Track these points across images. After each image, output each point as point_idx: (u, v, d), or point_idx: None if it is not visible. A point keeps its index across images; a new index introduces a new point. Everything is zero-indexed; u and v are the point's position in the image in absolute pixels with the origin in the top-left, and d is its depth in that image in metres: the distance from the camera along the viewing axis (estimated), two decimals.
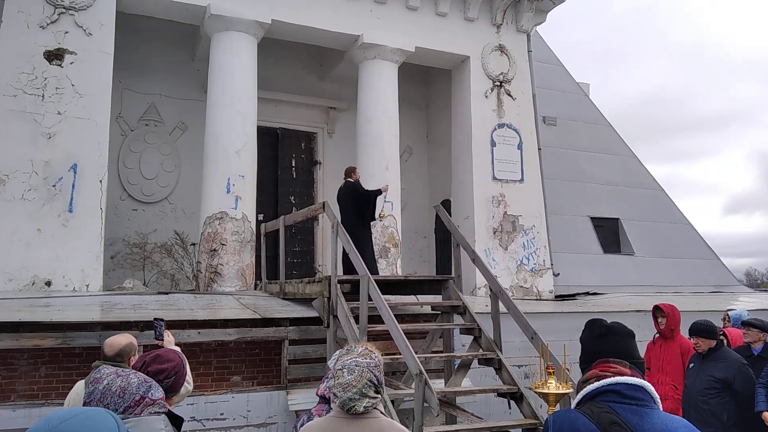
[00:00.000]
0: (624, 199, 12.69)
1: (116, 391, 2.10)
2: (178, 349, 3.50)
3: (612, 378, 2.24)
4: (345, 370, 2.45)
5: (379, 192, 8.07)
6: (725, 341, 5.35)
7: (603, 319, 2.63)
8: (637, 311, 8.03)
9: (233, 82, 8.83)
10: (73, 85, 7.80)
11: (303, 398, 6.06)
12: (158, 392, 2.19)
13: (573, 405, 2.35)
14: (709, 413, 4.67)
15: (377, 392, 2.47)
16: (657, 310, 5.25)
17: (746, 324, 5.83)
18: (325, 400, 3.13)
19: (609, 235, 12.21)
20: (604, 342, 2.47)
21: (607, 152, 13.17)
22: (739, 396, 4.71)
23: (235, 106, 8.76)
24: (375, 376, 2.47)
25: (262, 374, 6.43)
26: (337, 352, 2.63)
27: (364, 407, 2.40)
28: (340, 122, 11.59)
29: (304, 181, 11.46)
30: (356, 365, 2.46)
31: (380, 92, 9.86)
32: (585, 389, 2.26)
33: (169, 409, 2.54)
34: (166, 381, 2.53)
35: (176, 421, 2.55)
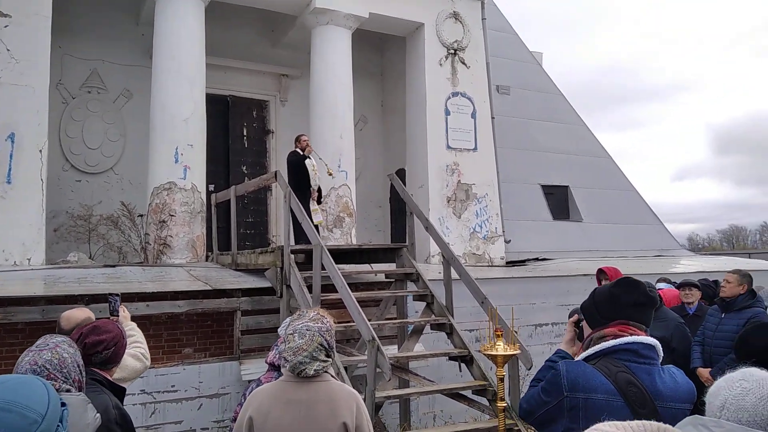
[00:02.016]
0: (574, 167, 12.97)
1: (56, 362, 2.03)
2: (134, 324, 3.43)
3: (630, 337, 2.26)
4: (296, 334, 2.45)
5: (302, 157, 7.98)
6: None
7: (645, 285, 2.47)
8: (584, 275, 8.29)
9: (180, 47, 8.51)
10: (8, 50, 7.38)
11: (256, 368, 6.05)
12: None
13: (583, 357, 2.33)
14: None
15: (328, 356, 2.49)
16: (601, 274, 5.42)
17: (687, 285, 6.12)
18: (274, 367, 3.13)
19: (559, 202, 12.51)
20: (636, 309, 2.36)
21: (559, 121, 13.38)
22: (676, 353, 4.96)
23: (182, 73, 8.46)
24: (326, 340, 2.48)
25: (215, 345, 6.38)
26: (288, 318, 2.63)
27: (315, 370, 2.41)
28: (293, 90, 11.37)
29: (257, 150, 11.25)
30: (307, 329, 2.46)
31: (334, 59, 9.70)
32: (601, 345, 2.28)
33: (109, 380, 2.50)
34: (105, 352, 2.48)
35: (118, 391, 2.51)
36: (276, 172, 6.71)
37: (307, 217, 5.92)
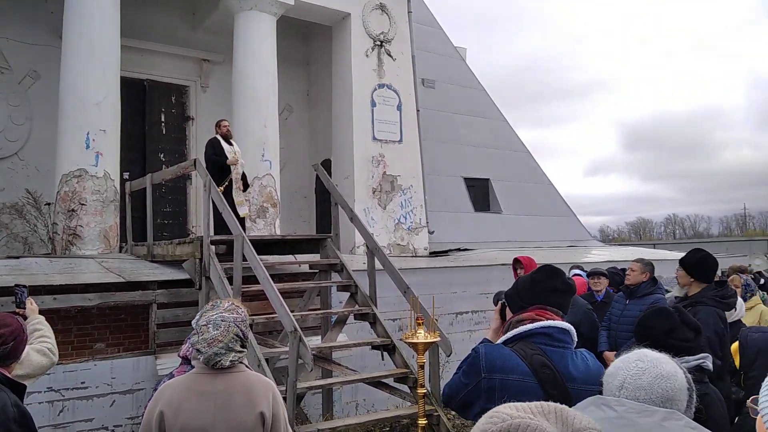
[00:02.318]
0: (495, 161, 13.39)
1: None
2: (41, 318, 3.23)
3: (546, 321, 2.36)
4: (210, 325, 2.40)
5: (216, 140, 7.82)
6: None
7: (564, 273, 2.60)
8: (503, 264, 8.58)
9: (92, 27, 8.02)
10: None
11: (173, 362, 5.84)
12: None
13: (502, 341, 2.41)
14: None
15: (243, 346, 2.45)
16: (516, 263, 5.63)
17: (595, 274, 6.46)
18: (187, 360, 3.04)
19: (480, 194, 12.88)
20: (554, 295, 2.47)
21: (481, 116, 13.75)
22: (584, 338, 5.23)
23: (94, 54, 7.99)
24: (241, 330, 2.44)
25: (129, 340, 6.12)
26: (202, 308, 2.56)
27: (231, 361, 2.37)
28: (215, 76, 11.01)
29: (175, 137, 10.83)
30: (222, 320, 2.41)
31: (258, 46, 9.47)
32: (519, 328, 2.36)
33: (7, 376, 2.34)
34: (3, 347, 2.32)
35: (17, 389, 2.36)
36: (195, 159, 6.50)
37: (227, 206, 5.78)
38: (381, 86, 10.69)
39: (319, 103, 11.88)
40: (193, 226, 10.48)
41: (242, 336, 2.42)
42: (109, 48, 8.16)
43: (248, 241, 5.41)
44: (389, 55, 10.83)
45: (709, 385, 2.71)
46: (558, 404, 1.04)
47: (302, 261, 7.09)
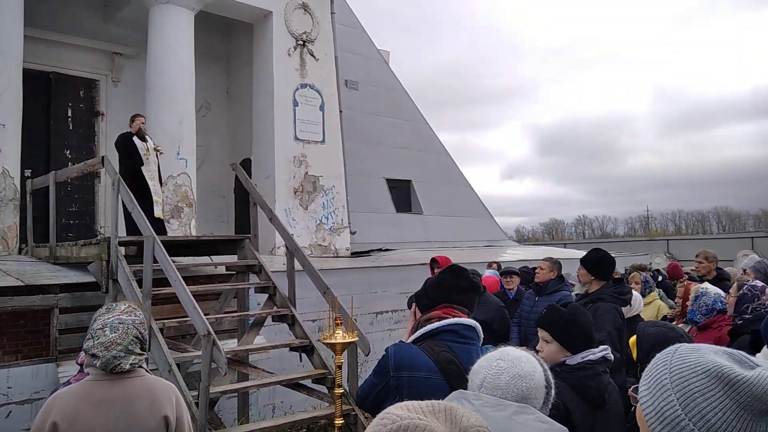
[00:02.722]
0: (416, 162, 13.61)
1: None
2: None
3: (453, 319, 2.43)
4: (107, 328, 2.29)
5: (128, 135, 7.50)
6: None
7: (469, 272, 2.67)
8: (423, 264, 8.72)
9: None
10: None
11: (76, 369, 5.54)
12: None
13: (411, 339, 2.47)
14: None
15: (143, 349, 2.36)
16: (434, 262, 5.74)
17: (508, 272, 6.71)
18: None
19: (401, 195, 13.06)
20: (460, 294, 2.55)
21: (403, 118, 13.94)
22: (497, 335, 5.42)
23: None
24: (140, 333, 2.35)
25: (28, 347, 5.72)
26: (96, 312, 2.43)
27: (131, 364, 2.27)
28: (128, 70, 10.52)
29: (83, 133, 10.25)
30: (120, 322, 2.31)
31: (174, 40, 9.13)
32: (427, 327, 2.43)
33: None
34: None
35: None
36: (103, 157, 6.17)
37: (137, 206, 5.52)
38: (303, 86, 10.61)
39: (240, 101, 11.62)
40: (101, 227, 9.96)
41: (141, 339, 2.33)
42: (10, 38, 7.62)
43: (159, 242, 5.19)
44: (312, 55, 10.76)
45: (610, 377, 2.87)
46: (448, 403, 1.06)
47: (219, 263, 6.90)
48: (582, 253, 13.22)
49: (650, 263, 12.84)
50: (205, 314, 4.93)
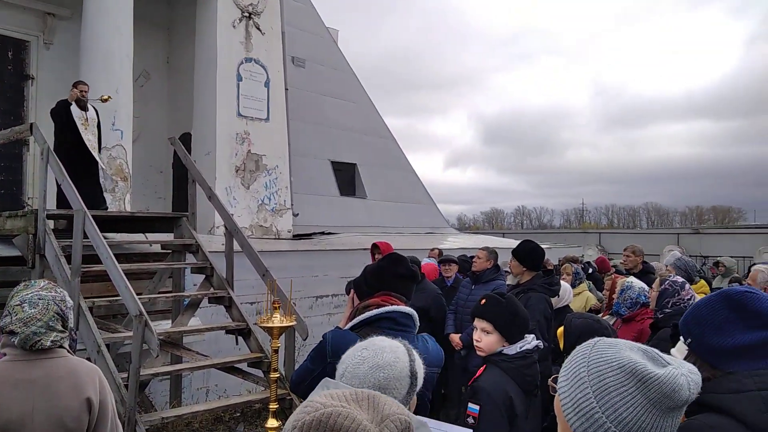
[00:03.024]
0: (362, 146, 13.56)
1: None
2: None
3: (391, 306, 2.45)
4: (26, 304, 2.18)
5: (65, 103, 7.11)
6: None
7: (409, 261, 2.71)
8: (365, 249, 8.75)
9: None
10: None
11: None
12: None
13: (349, 326, 2.48)
14: None
15: (65, 327, 2.26)
16: (375, 248, 5.78)
17: (446, 261, 6.82)
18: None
19: (346, 178, 13.00)
20: (399, 282, 2.58)
21: (350, 100, 13.83)
22: (434, 322, 5.52)
23: None
24: (61, 310, 2.25)
25: None
26: (14, 289, 2.31)
27: (52, 341, 2.17)
28: (61, 32, 9.92)
29: (12, 98, 9.61)
30: (39, 298, 2.21)
31: (110, 3, 8.64)
32: (365, 314, 2.45)
33: None
34: None
35: None
36: (32, 124, 5.83)
37: (68, 177, 5.26)
38: (248, 60, 10.33)
39: (181, 72, 11.20)
40: (29, 198, 9.44)
41: (63, 316, 2.23)
42: None
43: (90, 217, 4.97)
44: (258, 28, 10.48)
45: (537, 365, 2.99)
46: (372, 391, 1.08)
47: (154, 240, 6.68)
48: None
49: (582, 255, 13.36)
50: (138, 294, 4.78)
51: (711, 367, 1.64)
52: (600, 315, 5.17)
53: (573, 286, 6.11)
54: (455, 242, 12.23)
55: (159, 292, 6.15)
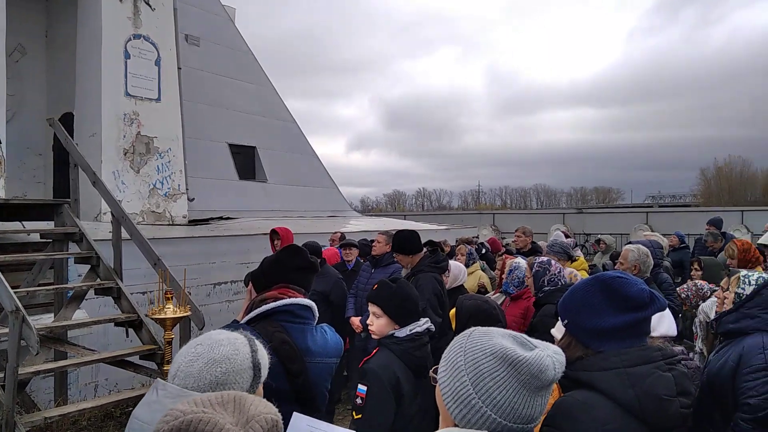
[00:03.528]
0: (262, 128, 13.24)
1: None
2: None
3: (288, 299, 2.44)
4: None
5: None
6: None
7: (307, 252, 2.69)
8: (265, 234, 8.61)
9: None
10: None
11: None
12: None
13: (245, 320, 2.45)
14: None
15: None
16: (274, 234, 5.73)
17: (347, 245, 6.88)
18: None
19: (245, 162, 12.66)
20: (298, 273, 2.57)
21: (248, 81, 13.42)
22: (333, 306, 5.57)
23: None
24: None
25: None
26: None
27: None
28: None
29: None
30: None
31: None
32: (262, 307, 2.43)
33: None
34: None
35: None
36: None
37: None
38: (137, 37, 9.73)
39: (61, 47, 10.36)
40: None
41: None
42: None
43: None
44: (147, 3, 9.88)
45: (438, 342, 3.11)
46: (239, 393, 1.08)
47: (32, 229, 6.20)
48: (421, 225, 13.93)
49: (477, 236, 13.95)
50: (15, 287, 4.43)
51: (584, 347, 1.80)
52: (492, 293, 5.46)
53: (466, 266, 6.39)
54: (357, 225, 12.32)
55: (39, 285, 5.72)
